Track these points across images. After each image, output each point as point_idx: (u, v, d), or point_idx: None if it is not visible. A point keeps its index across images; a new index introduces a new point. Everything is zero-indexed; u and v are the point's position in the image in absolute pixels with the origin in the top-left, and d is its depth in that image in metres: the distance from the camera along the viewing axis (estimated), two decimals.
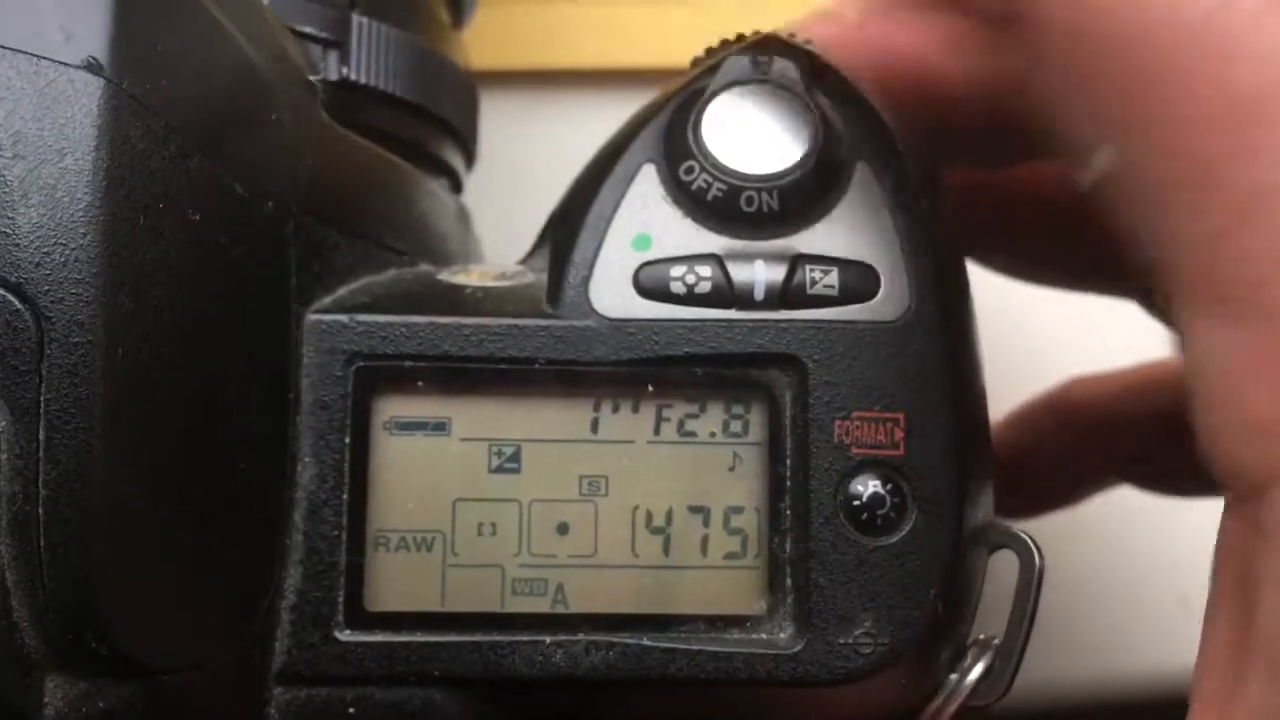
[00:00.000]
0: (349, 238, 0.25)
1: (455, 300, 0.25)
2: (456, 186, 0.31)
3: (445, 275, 0.26)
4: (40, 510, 0.20)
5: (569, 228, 0.25)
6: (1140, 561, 0.35)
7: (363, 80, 0.27)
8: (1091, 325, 0.35)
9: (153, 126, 0.21)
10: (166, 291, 0.21)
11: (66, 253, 0.20)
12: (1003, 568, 0.25)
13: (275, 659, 0.23)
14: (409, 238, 0.27)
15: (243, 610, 0.23)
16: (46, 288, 0.20)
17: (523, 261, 0.27)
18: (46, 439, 0.20)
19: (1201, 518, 0.34)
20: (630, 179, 0.25)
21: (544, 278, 0.25)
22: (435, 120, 0.29)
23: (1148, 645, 0.35)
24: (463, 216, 0.31)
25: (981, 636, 0.25)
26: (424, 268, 0.27)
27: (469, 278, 0.26)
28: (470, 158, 0.32)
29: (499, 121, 0.33)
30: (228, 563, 0.23)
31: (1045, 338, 0.37)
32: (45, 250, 0.20)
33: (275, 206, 0.24)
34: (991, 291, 0.28)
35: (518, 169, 0.35)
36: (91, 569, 0.20)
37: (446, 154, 0.30)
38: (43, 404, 0.20)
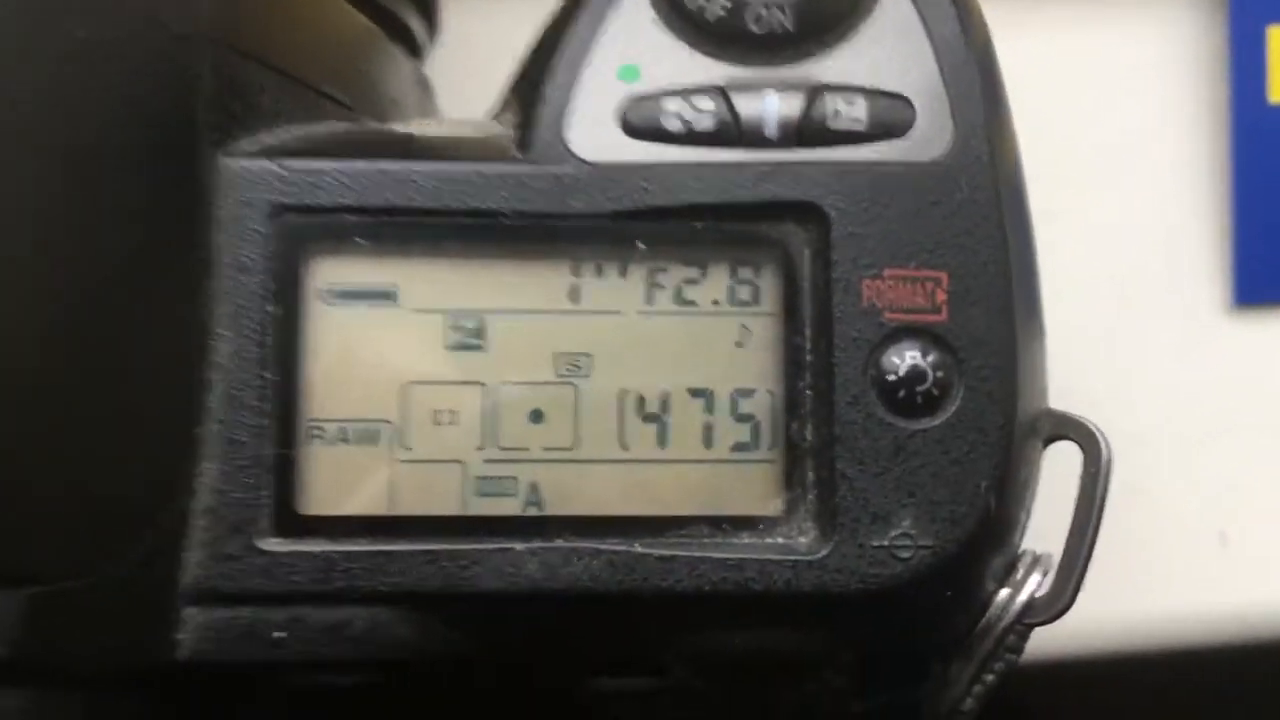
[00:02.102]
0: (279, 78, 0.23)
1: (404, 147, 0.23)
2: (415, 51, 0.29)
3: (396, 125, 0.24)
4: None
5: (540, 61, 0.23)
6: (1175, 495, 0.33)
7: None
8: None
9: None
10: (40, 119, 0.19)
11: None
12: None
13: (185, 572, 0.21)
14: (355, 91, 0.25)
15: (140, 512, 0.20)
16: None
17: (492, 116, 0.24)
18: None
19: (1240, 446, 0.32)
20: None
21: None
22: None
23: (1183, 585, 0.33)
24: (423, 83, 0.29)
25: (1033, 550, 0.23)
26: (371, 123, 0.24)
27: (423, 127, 0.24)
28: (432, 24, 0.29)
29: (466, 8, 0.31)
30: (122, 454, 0.20)
31: None
32: None
33: (182, 33, 0.21)
34: None
35: (486, 61, 0.32)
36: None
37: (401, 12, 0.28)
38: None
